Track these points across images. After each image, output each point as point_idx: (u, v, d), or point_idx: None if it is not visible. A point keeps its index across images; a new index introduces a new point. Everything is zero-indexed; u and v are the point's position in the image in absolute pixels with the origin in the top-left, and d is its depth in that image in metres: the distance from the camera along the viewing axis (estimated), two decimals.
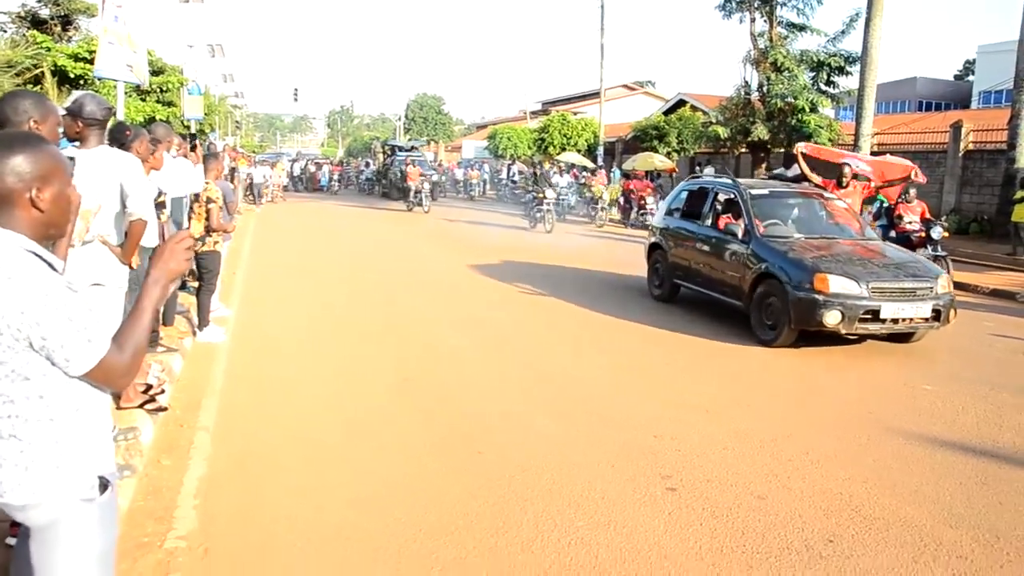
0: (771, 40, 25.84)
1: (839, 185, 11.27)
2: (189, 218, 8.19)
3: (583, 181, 31.68)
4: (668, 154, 31.52)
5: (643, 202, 24.79)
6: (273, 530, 4.13)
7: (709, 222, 10.42)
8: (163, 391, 5.96)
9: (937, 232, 12.50)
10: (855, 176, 11.62)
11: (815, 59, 25.34)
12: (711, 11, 50.63)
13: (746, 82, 26.76)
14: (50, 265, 2.12)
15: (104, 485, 2.23)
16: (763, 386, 7.22)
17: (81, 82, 18.06)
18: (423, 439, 5.54)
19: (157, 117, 20.59)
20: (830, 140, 24.46)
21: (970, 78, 55.40)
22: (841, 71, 25.49)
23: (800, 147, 12.28)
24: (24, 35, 22.05)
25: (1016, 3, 26.91)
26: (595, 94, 39.06)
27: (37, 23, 28.42)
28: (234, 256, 13.95)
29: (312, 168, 44.19)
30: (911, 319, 8.32)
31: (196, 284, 8.37)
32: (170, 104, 23.63)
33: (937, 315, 8.36)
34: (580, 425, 5.92)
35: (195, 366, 7.31)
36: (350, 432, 5.66)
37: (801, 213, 10.30)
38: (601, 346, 8.61)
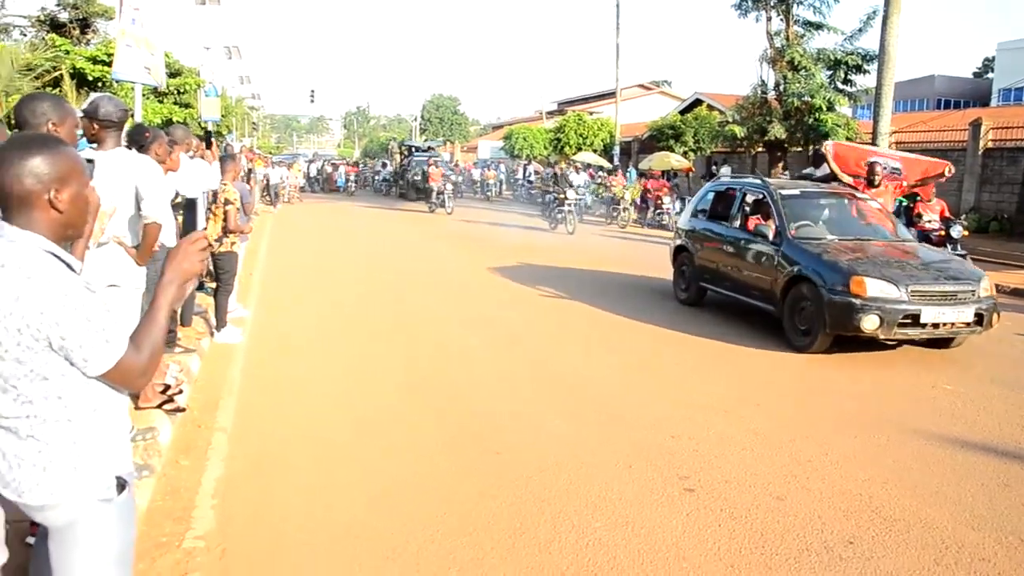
0: (788, 39, 25.67)
1: (870, 184, 10.82)
2: (207, 219, 8.23)
3: (599, 181, 31.60)
4: (684, 153, 31.38)
5: (660, 202, 24.71)
6: (291, 530, 4.14)
7: (737, 224, 10.14)
8: (181, 391, 5.99)
9: (957, 231, 12.35)
10: (888, 174, 11.16)
11: (832, 57, 25.15)
12: (727, 10, 50.45)
13: (762, 81, 26.59)
14: (68, 266, 2.13)
15: (122, 485, 2.24)
16: (780, 386, 7.18)
17: (99, 84, 18.18)
18: (439, 438, 5.54)
19: (174, 119, 20.72)
20: (847, 139, 24.29)
21: (989, 75, 54.89)
22: (858, 69, 25.27)
23: (828, 145, 11.88)
24: (43, 38, 22.24)
25: None
26: (611, 94, 38.99)
27: (56, 27, 28.66)
28: (251, 257, 14.00)
29: (329, 169, 44.31)
30: (952, 324, 7.99)
31: (213, 285, 8.40)
32: (187, 106, 23.77)
33: (980, 319, 8.06)
34: (596, 425, 5.89)
35: (213, 366, 7.34)
36: (369, 432, 5.66)
37: (833, 214, 10.00)
38: (624, 349, 8.56)
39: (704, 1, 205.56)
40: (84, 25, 30.05)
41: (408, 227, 23.22)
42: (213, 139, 12.43)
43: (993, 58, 53.67)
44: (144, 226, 4.88)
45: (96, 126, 4.85)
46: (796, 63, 24.91)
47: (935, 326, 7.96)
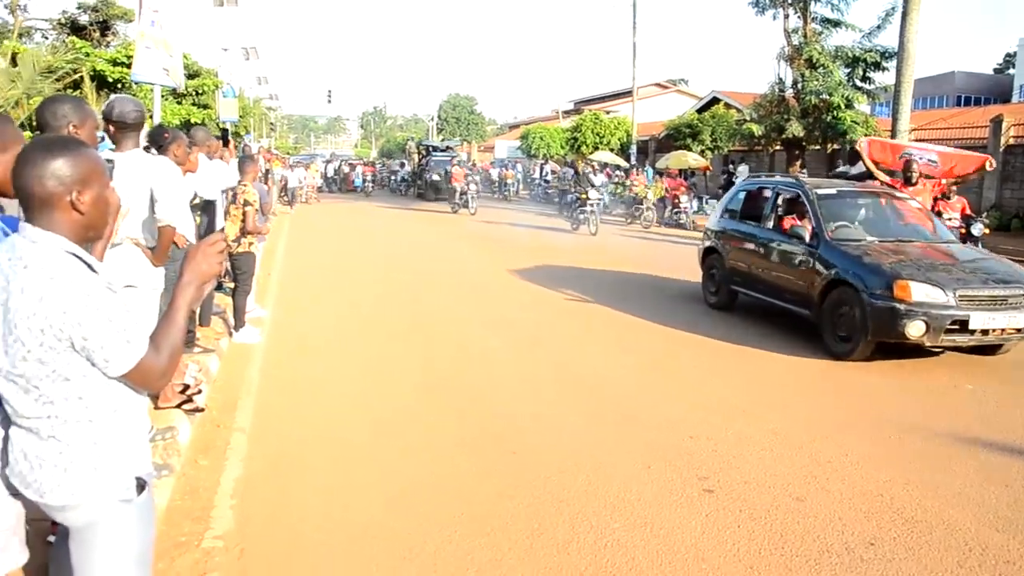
0: (805, 36, 25.52)
1: (908, 182, 10.37)
2: (225, 219, 8.26)
3: (616, 180, 31.53)
4: (702, 152, 31.30)
5: (677, 201, 24.60)
6: (309, 530, 4.14)
7: (770, 224, 9.76)
8: (200, 391, 6.02)
9: (978, 229, 12.21)
10: (924, 164, 10.73)
11: (850, 55, 24.99)
12: (744, 8, 50.21)
13: (780, 79, 26.45)
14: (89, 266, 2.15)
15: (142, 486, 2.25)
16: (799, 386, 7.13)
17: (119, 86, 18.33)
18: (457, 439, 5.54)
19: (193, 120, 20.85)
20: (866, 136, 24.12)
21: (1010, 71, 54.37)
22: (877, 67, 25.10)
23: (863, 141, 11.47)
24: (64, 41, 22.47)
25: None
26: (627, 93, 38.96)
27: (76, 29, 28.94)
28: (269, 257, 14.07)
29: (346, 169, 44.45)
30: (1003, 330, 7.55)
31: (232, 285, 8.44)
32: (205, 107, 23.89)
33: None
34: (615, 426, 5.87)
35: (231, 366, 7.37)
36: (387, 432, 5.67)
37: (871, 214, 9.60)
38: (647, 352, 8.45)
39: None
40: (104, 28, 30.32)
41: (427, 227, 23.16)
42: (230, 138, 12.49)
43: (1014, 54, 53.13)
44: (159, 229, 4.90)
45: (112, 127, 4.88)
46: (814, 61, 24.77)
47: (984, 332, 7.53)
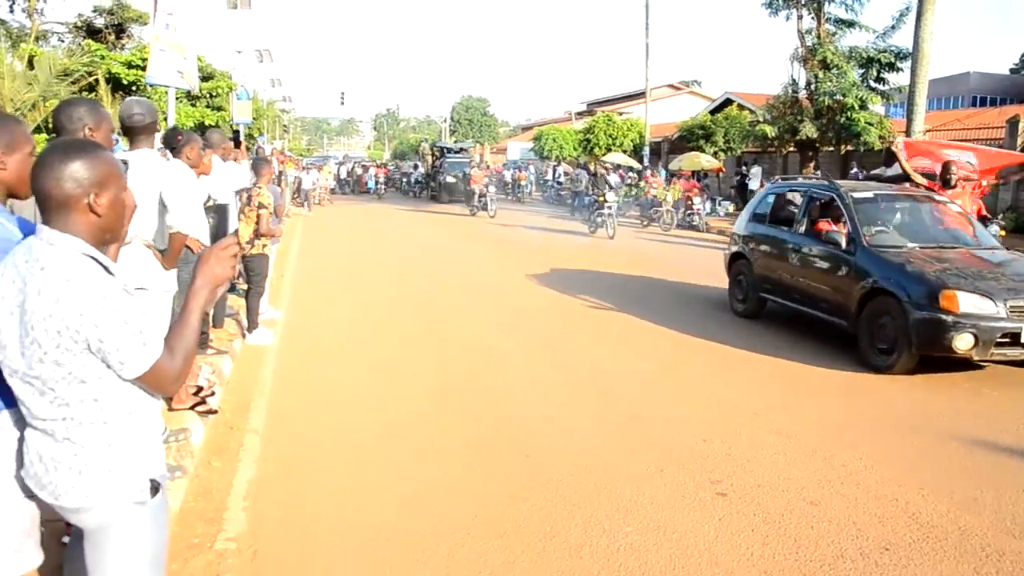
0: (819, 37, 25.41)
1: (946, 185, 9.76)
2: (239, 220, 8.29)
3: (629, 182, 31.46)
4: (715, 154, 31.21)
5: (690, 203, 24.51)
6: (322, 532, 4.15)
7: (803, 229, 9.31)
8: (213, 393, 6.03)
9: (994, 231, 12.08)
10: (963, 164, 10.15)
11: (864, 55, 24.86)
12: (757, 9, 50.05)
13: (793, 80, 26.35)
14: (106, 269, 2.16)
15: (155, 488, 2.26)
16: (813, 388, 7.08)
17: (134, 88, 18.47)
18: (470, 441, 5.54)
19: (207, 122, 20.98)
20: (880, 138, 24.00)
21: None
22: (891, 67, 24.97)
23: (899, 142, 10.94)
24: (80, 44, 22.61)
25: None
26: (640, 94, 38.91)
27: (92, 32, 29.15)
28: (282, 259, 14.11)
29: (359, 171, 44.50)
30: None
31: (245, 287, 8.47)
32: (219, 109, 24.04)
33: None
34: (628, 429, 5.86)
35: (244, 368, 7.39)
36: (400, 434, 5.67)
37: (909, 218, 9.12)
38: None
39: (734, 0, 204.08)
40: (119, 31, 30.52)
41: (442, 229, 23.06)
42: (242, 139, 12.55)
43: None
44: (169, 235, 4.91)
45: (124, 129, 4.91)
46: (828, 61, 24.65)
47: None
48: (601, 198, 21.26)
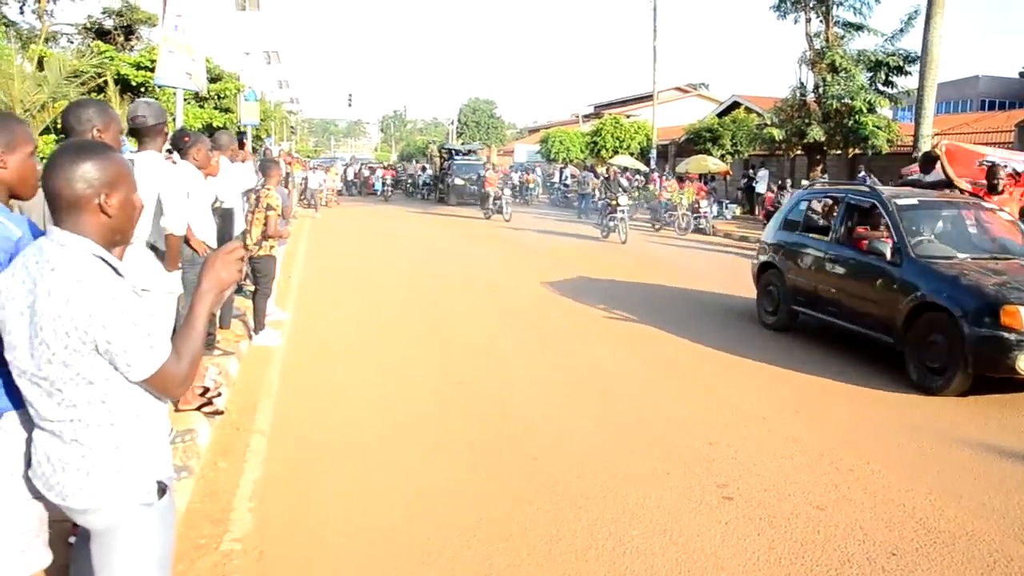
0: (827, 40, 25.38)
1: (992, 191, 9.14)
2: (247, 221, 8.31)
3: (636, 184, 31.42)
4: (722, 156, 31.18)
5: (697, 206, 24.46)
6: (328, 534, 4.16)
7: (840, 238, 8.73)
8: (220, 394, 6.05)
9: None
10: (1011, 173, 9.52)
11: (873, 58, 24.82)
12: (765, 12, 49.97)
13: (801, 83, 26.31)
14: (115, 270, 2.16)
15: (162, 490, 2.26)
16: (820, 393, 7.06)
17: (142, 90, 18.49)
18: (476, 443, 5.54)
19: (215, 123, 21.00)
20: (888, 142, 23.95)
21: None
22: (900, 71, 24.93)
23: (941, 144, 10.34)
24: (89, 45, 22.68)
25: None
26: (647, 97, 38.83)
27: (101, 34, 29.22)
28: (289, 260, 14.12)
29: (366, 172, 44.51)
30: None
31: (252, 288, 8.49)
32: (227, 110, 24.07)
33: None
34: (634, 431, 5.85)
35: (251, 369, 7.41)
36: (407, 436, 5.67)
37: (957, 227, 8.54)
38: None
39: (742, 3, 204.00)
40: (128, 32, 30.60)
41: (451, 232, 22.83)
42: (246, 140, 12.59)
43: None
44: (165, 237, 4.92)
45: (131, 130, 4.94)
46: (836, 64, 24.62)
47: None
48: (614, 202, 20.85)
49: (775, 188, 24.51)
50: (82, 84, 12.45)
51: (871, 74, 25.07)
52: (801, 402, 6.70)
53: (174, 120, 10.26)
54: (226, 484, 4.77)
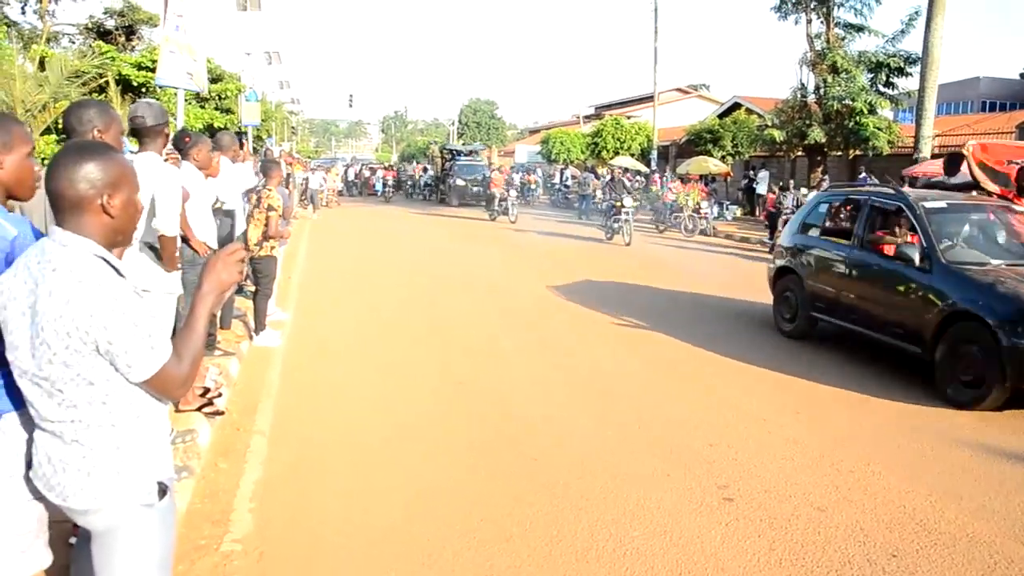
0: (828, 41, 25.38)
1: (1022, 194, 8.81)
2: (248, 222, 8.31)
3: (637, 185, 31.42)
4: (723, 158, 31.20)
5: (698, 207, 24.44)
6: (328, 534, 4.16)
7: (863, 242, 8.34)
8: (220, 394, 6.05)
9: None
10: None
11: (873, 60, 24.80)
12: (766, 13, 49.96)
13: (802, 84, 26.29)
14: (117, 271, 2.16)
15: (163, 491, 2.26)
16: (819, 394, 7.06)
17: (144, 90, 18.53)
18: (477, 444, 5.54)
19: (216, 124, 21.03)
20: (889, 143, 23.94)
21: None
22: (901, 72, 24.92)
23: (969, 145, 9.81)
24: (90, 46, 22.71)
25: None
26: (648, 98, 38.81)
27: (103, 34, 29.28)
28: (290, 260, 14.12)
29: (366, 173, 44.49)
30: None
31: (253, 289, 8.49)
32: (228, 111, 24.11)
33: None
34: (634, 432, 5.85)
35: (252, 370, 7.41)
36: (407, 436, 5.67)
37: (987, 232, 8.12)
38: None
39: (743, 4, 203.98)
40: (129, 32, 30.65)
41: (453, 233, 22.73)
42: (244, 140, 12.60)
43: None
44: (159, 238, 4.92)
45: (131, 131, 4.94)
46: (837, 66, 24.61)
47: None
48: (618, 204, 20.67)
49: (776, 189, 24.50)
50: (83, 84, 12.47)
51: (872, 75, 25.05)
52: (802, 404, 6.70)
53: (175, 121, 10.26)
54: (226, 484, 4.77)
